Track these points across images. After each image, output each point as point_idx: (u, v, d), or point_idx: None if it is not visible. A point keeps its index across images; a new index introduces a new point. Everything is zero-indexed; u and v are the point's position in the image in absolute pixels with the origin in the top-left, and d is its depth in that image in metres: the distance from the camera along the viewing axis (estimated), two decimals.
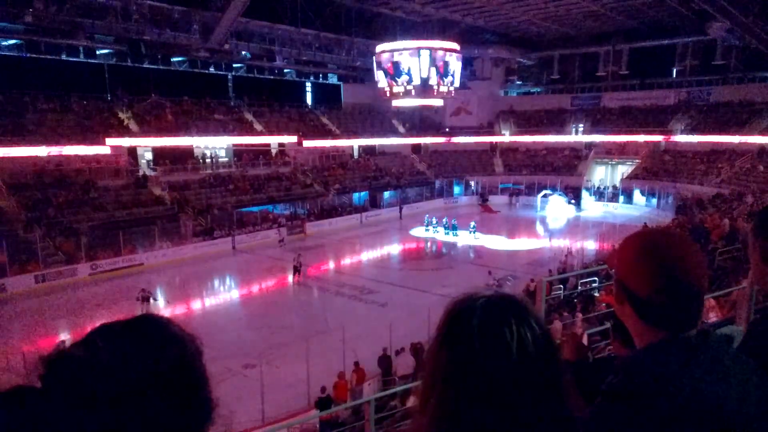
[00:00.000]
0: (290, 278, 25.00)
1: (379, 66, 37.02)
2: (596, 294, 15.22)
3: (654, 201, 41.16)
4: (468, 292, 1.00)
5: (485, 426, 0.89)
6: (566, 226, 34.92)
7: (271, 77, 44.72)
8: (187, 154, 37.92)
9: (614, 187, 45.94)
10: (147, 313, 0.87)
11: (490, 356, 0.90)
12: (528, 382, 0.91)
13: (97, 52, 34.63)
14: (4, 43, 31.18)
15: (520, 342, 0.91)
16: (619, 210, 40.15)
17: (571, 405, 0.96)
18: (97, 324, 0.83)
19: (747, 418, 1.10)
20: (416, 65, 35.10)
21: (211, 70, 41.16)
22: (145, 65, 37.25)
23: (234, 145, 40.70)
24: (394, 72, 36.23)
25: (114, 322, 0.81)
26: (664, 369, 1.14)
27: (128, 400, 0.72)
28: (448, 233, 34.69)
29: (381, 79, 37.25)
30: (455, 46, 37.76)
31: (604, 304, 12.76)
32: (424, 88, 35.56)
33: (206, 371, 0.84)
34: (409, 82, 35.66)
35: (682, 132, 45.83)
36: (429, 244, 33.67)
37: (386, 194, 43.10)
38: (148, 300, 19.56)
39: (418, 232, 36.35)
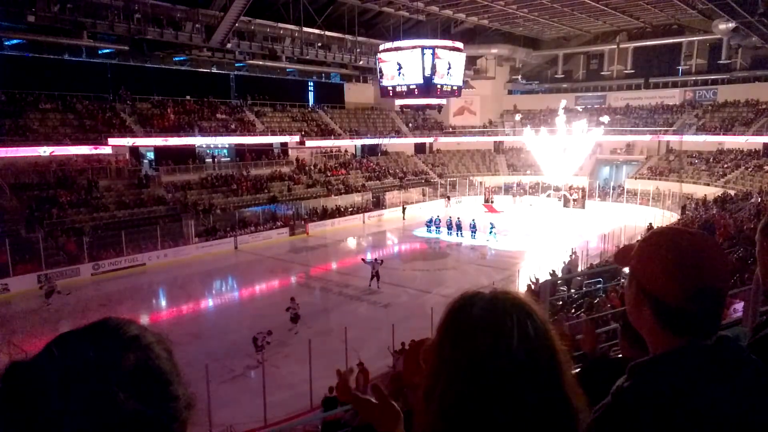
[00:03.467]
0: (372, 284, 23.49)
1: (382, 65, 36.85)
2: (601, 295, 15.06)
3: (659, 200, 40.90)
4: (469, 290, 1.00)
5: (489, 416, 0.89)
6: (570, 225, 34.73)
7: (274, 76, 44.59)
8: (189, 153, 37.88)
9: (619, 186, 45.71)
10: (108, 317, 0.84)
11: (492, 346, 0.90)
12: (530, 372, 0.90)
13: (100, 52, 34.58)
14: (7, 42, 31.20)
15: (521, 332, 0.91)
16: (623, 209, 39.83)
17: (573, 397, 0.95)
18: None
19: (764, 427, 1.07)
20: (419, 64, 34.87)
21: (214, 69, 41.07)
22: (148, 65, 37.22)
23: (236, 145, 40.65)
24: (397, 71, 36.04)
25: (74, 330, 0.80)
26: (681, 378, 1.09)
27: (88, 403, 0.72)
28: (450, 233, 34.57)
29: (384, 79, 37.08)
30: (459, 45, 37.57)
31: (609, 305, 12.59)
32: (428, 88, 35.29)
33: (178, 369, 0.83)
34: (412, 81, 35.43)
35: (688, 131, 45.57)
36: (432, 244, 33.53)
37: (389, 194, 42.95)
38: (262, 348, 16.05)
39: (420, 232, 36.22)
